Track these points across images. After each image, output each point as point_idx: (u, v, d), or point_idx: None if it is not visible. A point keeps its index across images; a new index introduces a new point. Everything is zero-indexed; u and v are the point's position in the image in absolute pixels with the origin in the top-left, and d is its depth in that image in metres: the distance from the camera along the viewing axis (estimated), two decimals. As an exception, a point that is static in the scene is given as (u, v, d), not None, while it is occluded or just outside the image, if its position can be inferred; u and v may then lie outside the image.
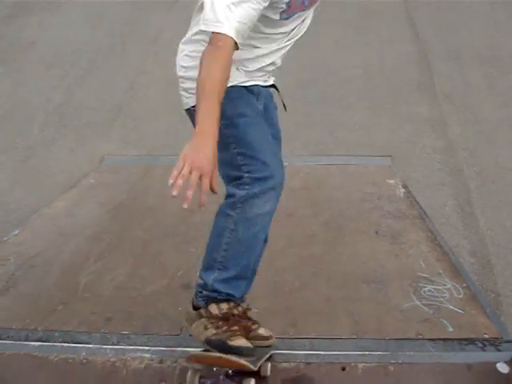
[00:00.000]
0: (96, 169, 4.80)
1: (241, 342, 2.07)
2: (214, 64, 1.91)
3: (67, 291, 2.93)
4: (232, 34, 1.90)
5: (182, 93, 2.35)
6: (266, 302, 2.79)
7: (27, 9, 8.12)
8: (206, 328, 2.15)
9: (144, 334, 2.57)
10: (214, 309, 2.17)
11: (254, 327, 2.18)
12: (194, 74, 1.98)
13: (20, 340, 2.52)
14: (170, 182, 1.71)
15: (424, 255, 3.30)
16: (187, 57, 2.26)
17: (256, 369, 2.06)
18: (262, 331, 2.19)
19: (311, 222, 3.71)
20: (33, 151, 5.31)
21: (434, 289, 2.93)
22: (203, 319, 2.18)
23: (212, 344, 2.09)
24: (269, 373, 2.20)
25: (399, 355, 2.42)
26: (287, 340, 2.52)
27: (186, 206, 1.69)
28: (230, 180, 2.10)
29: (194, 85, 1.96)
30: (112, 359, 2.43)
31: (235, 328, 2.11)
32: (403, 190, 4.09)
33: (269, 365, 2.21)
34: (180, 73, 2.31)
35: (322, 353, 2.44)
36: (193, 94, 2.05)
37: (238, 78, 2.18)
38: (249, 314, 2.21)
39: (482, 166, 4.95)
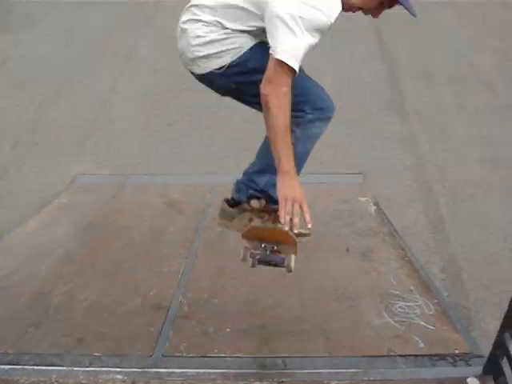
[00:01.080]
0: (68, 188, 4.78)
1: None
2: (284, 113, 2.17)
3: (39, 312, 2.91)
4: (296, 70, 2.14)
5: (199, 60, 2.46)
6: (239, 320, 2.80)
7: (1, 26, 8.07)
8: (250, 220, 2.57)
9: (116, 355, 2.56)
10: (255, 204, 2.58)
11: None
12: (212, 40, 2.34)
13: (-10, 363, 2.50)
14: (282, 221, 2.25)
15: (395, 272, 3.35)
16: (204, 26, 2.38)
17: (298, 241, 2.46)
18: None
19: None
20: (4, 170, 5.25)
21: (406, 305, 2.97)
22: (246, 213, 2.59)
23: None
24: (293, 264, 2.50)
25: (371, 372, 2.45)
26: (260, 359, 2.54)
27: (309, 225, 2.27)
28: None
29: (213, 50, 2.35)
30: (84, 381, 2.42)
31: (276, 218, 2.44)
32: (374, 207, 4.15)
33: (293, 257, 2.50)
34: (194, 41, 2.42)
35: (295, 371, 2.46)
36: (213, 58, 2.37)
37: None
38: None
39: (452, 182, 5.02)
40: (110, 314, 2.89)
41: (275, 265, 2.51)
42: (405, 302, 2.99)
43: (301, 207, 2.26)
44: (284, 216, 2.23)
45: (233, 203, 2.67)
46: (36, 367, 2.47)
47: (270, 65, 2.12)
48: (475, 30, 7.86)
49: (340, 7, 2.21)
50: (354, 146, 5.50)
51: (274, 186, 2.36)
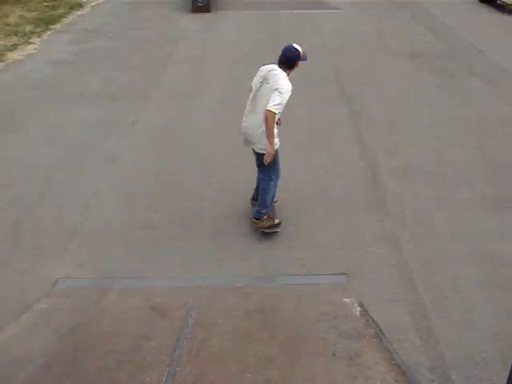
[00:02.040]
0: (49, 293, 4.72)
1: (276, 221, 5.67)
2: (272, 123, 5.07)
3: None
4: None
5: (262, 146, 5.29)
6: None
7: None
8: (262, 221, 5.59)
9: None
10: (264, 218, 5.62)
11: (276, 220, 5.68)
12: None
13: None
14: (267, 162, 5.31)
15: (382, 376, 3.29)
16: (263, 132, 5.19)
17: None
18: (277, 221, 5.69)
19: (267, 344, 3.69)
20: (-16, 275, 5.20)
21: (394, 413, 2.90)
22: (261, 222, 5.62)
23: (266, 225, 5.61)
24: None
25: None
26: None
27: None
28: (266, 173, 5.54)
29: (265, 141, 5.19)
30: None
31: (272, 220, 5.61)
32: (359, 308, 4.13)
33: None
34: (262, 136, 5.23)
35: None
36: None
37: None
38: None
39: (436, 280, 5.04)
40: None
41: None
42: (393, 409, 2.92)
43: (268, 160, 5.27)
44: (266, 160, 5.25)
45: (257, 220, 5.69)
46: None
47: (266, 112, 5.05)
48: (450, 129, 8.12)
49: (290, 85, 5.14)
50: (337, 245, 5.52)
51: (267, 208, 5.63)
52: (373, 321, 4.03)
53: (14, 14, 14.97)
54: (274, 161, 5.37)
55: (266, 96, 5.10)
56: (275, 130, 5.23)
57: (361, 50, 12.01)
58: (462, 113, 8.74)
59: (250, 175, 6.12)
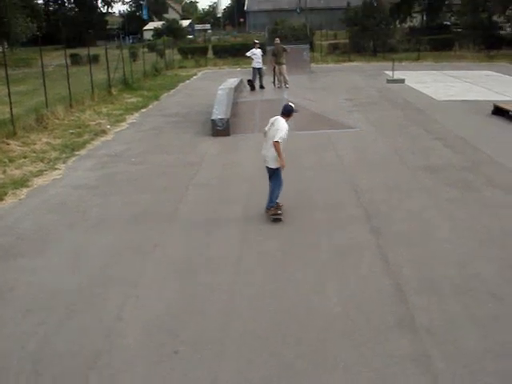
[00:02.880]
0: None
1: (279, 211, 9.21)
2: (279, 149, 8.78)
3: None
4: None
5: (273, 165, 9.04)
6: None
7: (11, 254, 8.26)
8: (271, 211, 9.19)
9: None
10: (271, 209, 9.21)
11: (279, 210, 9.21)
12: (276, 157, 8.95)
13: None
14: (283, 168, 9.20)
15: None
16: (273, 154, 8.86)
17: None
18: (279, 212, 9.18)
19: None
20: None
21: None
22: (270, 211, 9.20)
23: (273, 213, 9.22)
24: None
25: None
26: None
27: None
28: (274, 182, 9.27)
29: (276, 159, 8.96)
30: None
31: (275, 210, 9.19)
32: None
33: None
34: (273, 159, 8.97)
35: None
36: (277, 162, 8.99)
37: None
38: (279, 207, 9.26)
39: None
40: None
41: None
42: None
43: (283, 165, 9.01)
44: (283, 167, 9.07)
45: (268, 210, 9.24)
46: None
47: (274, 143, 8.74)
48: (474, 240, 8.06)
49: (287, 125, 8.85)
50: (367, 368, 5.32)
51: (276, 199, 9.20)
52: None
53: (41, 141, 15.56)
54: (279, 175, 9.12)
55: (273, 133, 8.83)
56: (283, 154, 8.85)
57: (379, 166, 12.18)
58: (484, 224, 8.69)
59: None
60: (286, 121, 8.87)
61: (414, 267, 7.30)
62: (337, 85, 26.31)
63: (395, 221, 8.96)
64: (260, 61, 23.41)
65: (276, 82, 23.87)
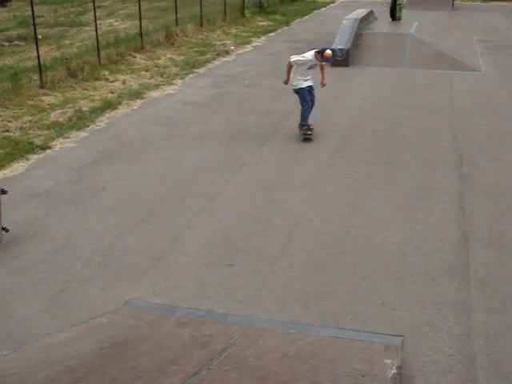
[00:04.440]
0: (115, 310, 5.06)
1: (309, 131, 10.04)
2: (288, 66, 9.90)
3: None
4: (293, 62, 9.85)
5: (293, 85, 9.97)
6: None
7: (111, 158, 8.98)
8: (302, 129, 10.06)
9: None
10: (303, 128, 10.05)
11: (309, 131, 10.06)
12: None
13: None
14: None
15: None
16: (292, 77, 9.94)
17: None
18: (309, 132, 10.06)
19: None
20: (68, 285, 5.69)
21: None
22: (302, 129, 10.06)
23: (303, 132, 10.04)
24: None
25: None
26: None
27: None
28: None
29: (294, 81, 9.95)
30: None
31: (306, 130, 10.02)
32: (394, 371, 4.02)
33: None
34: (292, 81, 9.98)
35: None
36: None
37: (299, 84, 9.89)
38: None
39: (499, 357, 4.77)
40: None
41: None
42: None
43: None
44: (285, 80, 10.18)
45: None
46: None
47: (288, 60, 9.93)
48: None
49: (309, 57, 9.76)
50: (405, 307, 5.40)
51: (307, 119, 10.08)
52: (400, 384, 3.91)
53: (165, 57, 16.25)
54: (300, 97, 9.91)
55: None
56: (301, 78, 9.83)
57: (492, 115, 11.59)
58: None
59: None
60: (317, 59, 9.67)
61: (488, 220, 7.08)
62: (475, 24, 24.70)
63: (488, 171, 8.62)
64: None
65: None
